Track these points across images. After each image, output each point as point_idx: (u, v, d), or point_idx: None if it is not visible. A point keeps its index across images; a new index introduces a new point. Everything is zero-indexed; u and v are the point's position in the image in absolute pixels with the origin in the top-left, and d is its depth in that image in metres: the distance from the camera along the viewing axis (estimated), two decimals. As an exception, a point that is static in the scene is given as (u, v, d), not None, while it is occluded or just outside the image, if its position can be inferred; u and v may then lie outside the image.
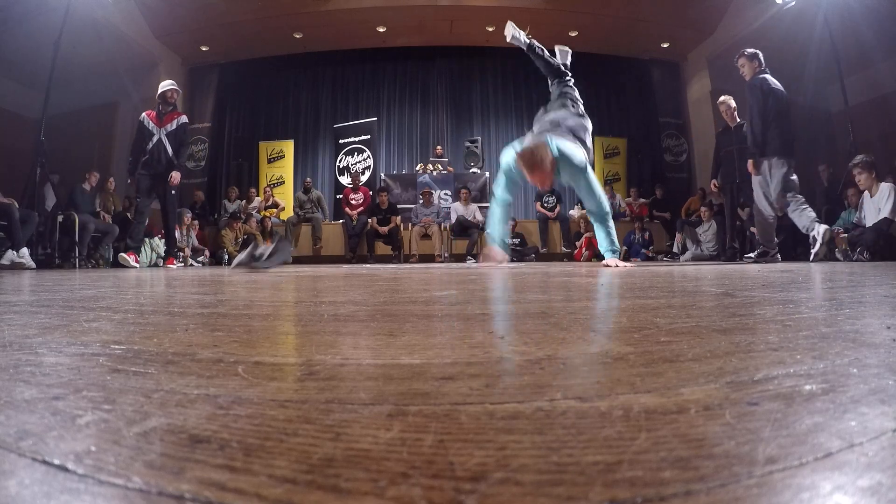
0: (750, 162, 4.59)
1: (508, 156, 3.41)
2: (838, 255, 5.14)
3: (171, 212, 5.51)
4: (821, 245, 4.27)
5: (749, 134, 4.54)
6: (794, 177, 4.40)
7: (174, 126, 5.44)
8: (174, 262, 5.76)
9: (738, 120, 5.49)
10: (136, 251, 5.47)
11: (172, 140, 5.40)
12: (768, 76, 4.46)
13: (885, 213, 4.72)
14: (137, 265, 5.30)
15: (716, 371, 0.40)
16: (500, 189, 3.55)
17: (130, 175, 5.48)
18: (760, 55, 4.53)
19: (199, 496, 0.21)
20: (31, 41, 6.24)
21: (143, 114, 5.51)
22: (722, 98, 5.69)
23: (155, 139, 5.37)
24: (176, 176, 5.38)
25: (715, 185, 6.10)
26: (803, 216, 4.37)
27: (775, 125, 4.35)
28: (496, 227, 3.60)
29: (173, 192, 5.42)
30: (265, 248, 3.38)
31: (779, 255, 4.69)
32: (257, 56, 9.53)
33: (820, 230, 4.24)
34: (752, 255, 4.84)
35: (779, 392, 0.34)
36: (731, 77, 8.45)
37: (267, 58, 9.62)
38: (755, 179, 4.56)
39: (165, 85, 5.55)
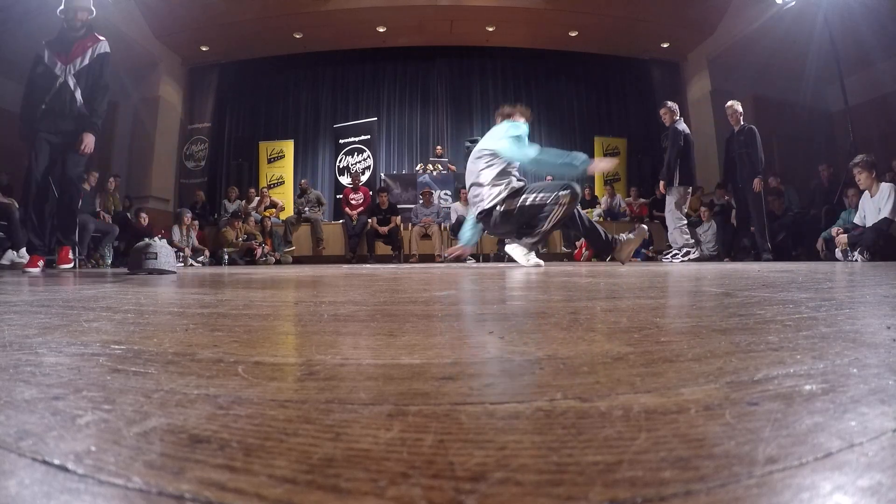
0: (661, 184, 5.71)
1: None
2: (838, 255, 5.14)
3: (71, 189, 3.75)
4: (672, 258, 5.69)
5: (665, 166, 5.67)
6: (686, 204, 5.79)
7: (87, 60, 3.70)
8: (39, 263, 3.66)
9: (742, 123, 5.85)
10: (44, 251, 3.72)
11: (85, 81, 3.70)
12: (682, 123, 5.65)
13: (885, 213, 4.72)
14: (38, 269, 3.59)
15: (716, 371, 0.40)
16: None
17: (23, 135, 3.69)
18: (676, 107, 5.73)
19: (199, 496, 0.21)
20: (31, 41, 6.22)
21: (43, 43, 3.76)
22: (729, 102, 6.03)
23: (58, 83, 3.63)
24: (89, 141, 3.65)
25: (728, 190, 6.96)
26: (679, 235, 5.72)
27: (685, 161, 5.54)
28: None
29: (78, 157, 3.70)
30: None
31: (689, 256, 5.69)
32: (257, 56, 9.53)
33: (680, 255, 5.68)
34: (668, 256, 5.91)
35: (779, 392, 0.34)
36: (732, 77, 8.49)
37: (267, 58, 9.62)
38: (669, 199, 5.69)
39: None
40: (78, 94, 3.68)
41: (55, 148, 3.66)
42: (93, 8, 3.84)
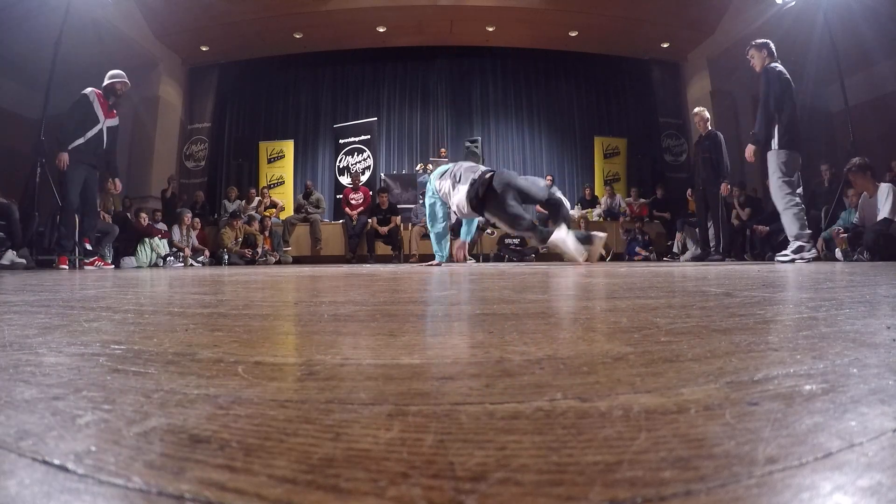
0: (750, 149, 4.49)
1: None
2: (838, 255, 5.14)
3: (92, 208, 5.02)
4: (792, 257, 4.21)
5: (759, 123, 4.38)
6: (794, 175, 4.30)
7: (115, 122, 5.09)
8: (66, 262, 4.81)
9: (709, 129, 5.99)
10: (70, 252, 4.83)
11: (111, 137, 5.00)
12: (779, 65, 4.38)
13: (885, 213, 4.71)
14: (66, 267, 4.70)
15: (716, 371, 0.40)
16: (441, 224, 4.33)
17: (63, 148, 4.69)
18: (771, 45, 4.48)
19: (199, 496, 0.21)
20: (31, 41, 6.23)
21: (92, 91, 4.92)
22: (696, 109, 6.20)
23: (97, 128, 4.89)
24: (119, 184, 5.35)
25: (690, 194, 7.05)
26: (792, 220, 4.26)
27: (784, 113, 4.24)
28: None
29: (96, 191, 5.06)
30: None
31: (814, 249, 4.29)
32: (257, 56, 9.53)
33: (806, 250, 4.18)
34: (787, 252, 4.33)
35: (779, 392, 0.34)
36: (731, 77, 8.49)
37: (267, 58, 9.62)
38: (772, 167, 4.33)
39: (117, 75, 5.05)
40: (104, 141, 4.90)
41: (87, 174, 4.84)
42: (128, 81, 5.14)
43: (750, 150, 4.51)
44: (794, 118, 4.28)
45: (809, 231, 4.30)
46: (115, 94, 5.00)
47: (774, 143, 4.29)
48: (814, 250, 4.30)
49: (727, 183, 5.88)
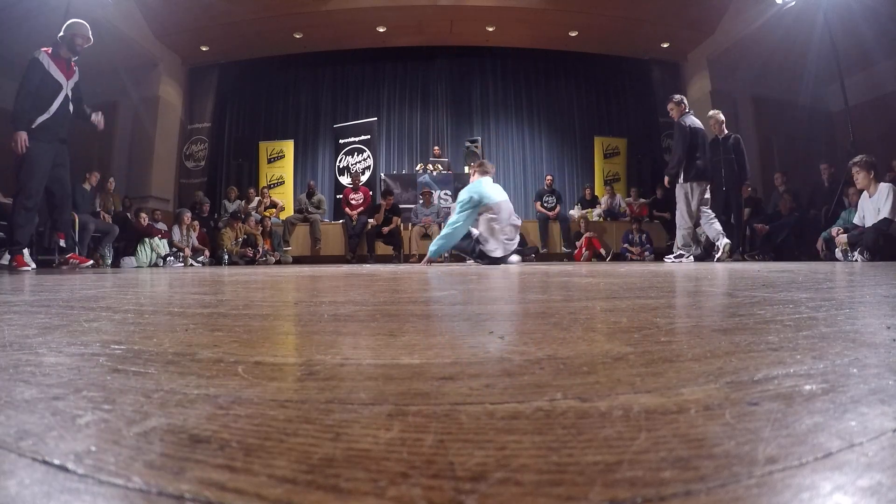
0: (666, 179, 5.75)
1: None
2: (838, 255, 5.14)
3: (67, 196, 4.28)
4: (722, 253, 5.26)
5: (671, 162, 5.71)
6: (708, 195, 5.51)
7: (77, 78, 4.24)
8: (70, 259, 4.39)
9: (726, 132, 6.08)
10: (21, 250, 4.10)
11: (76, 96, 4.23)
12: (690, 117, 5.55)
13: (885, 213, 4.71)
14: (30, 268, 4.06)
15: (716, 371, 0.40)
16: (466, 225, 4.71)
17: (18, 127, 3.87)
18: (684, 100, 5.71)
19: (199, 496, 0.21)
20: (31, 41, 6.22)
21: (42, 52, 4.05)
22: (711, 112, 6.30)
23: (62, 95, 4.07)
24: (101, 120, 4.33)
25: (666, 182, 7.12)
26: (711, 229, 5.42)
27: (696, 156, 5.42)
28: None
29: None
30: None
31: (692, 258, 5.47)
32: (257, 56, 9.53)
33: (722, 243, 5.29)
34: (670, 256, 5.69)
35: (779, 392, 0.34)
36: (731, 77, 8.48)
37: (267, 58, 9.62)
38: (679, 196, 5.54)
39: (78, 29, 4.14)
40: (71, 107, 4.19)
41: (53, 155, 4.06)
42: (91, 37, 4.26)
43: (665, 180, 5.76)
44: (703, 158, 5.46)
45: (691, 246, 5.57)
46: (74, 52, 4.14)
47: (681, 178, 5.51)
48: (691, 258, 5.54)
49: (747, 185, 6.02)
